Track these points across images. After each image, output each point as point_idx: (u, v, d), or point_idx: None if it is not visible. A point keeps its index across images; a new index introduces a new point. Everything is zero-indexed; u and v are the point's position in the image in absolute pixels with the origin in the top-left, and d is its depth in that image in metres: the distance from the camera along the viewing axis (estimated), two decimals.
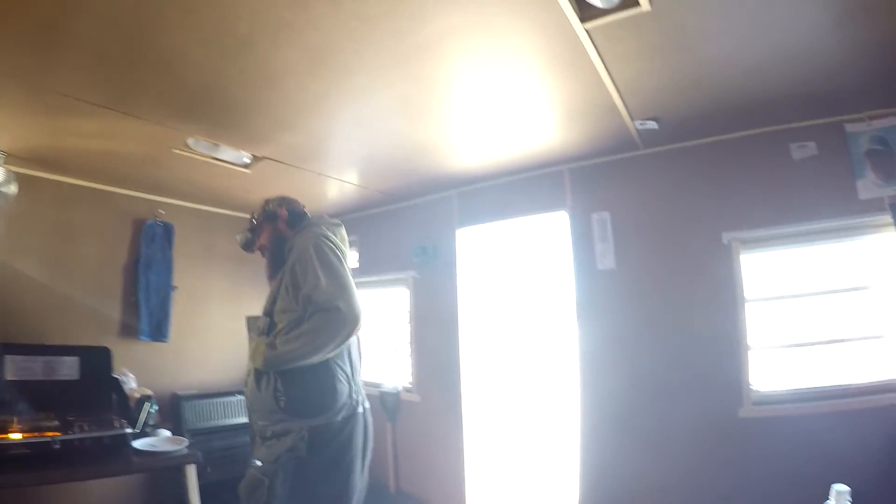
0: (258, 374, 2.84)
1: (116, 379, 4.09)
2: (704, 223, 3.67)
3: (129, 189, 4.80)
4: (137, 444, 3.60)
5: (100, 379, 4.04)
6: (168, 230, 5.00)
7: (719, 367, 3.55)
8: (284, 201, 3.22)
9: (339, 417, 2.76)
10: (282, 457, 2.79)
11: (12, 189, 3.82)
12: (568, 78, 2.88)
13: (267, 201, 3.24)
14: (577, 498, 3.86)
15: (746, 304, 3.57)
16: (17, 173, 3.89)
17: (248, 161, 3.99)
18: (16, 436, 3.17)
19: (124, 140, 3.68)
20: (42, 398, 3.65)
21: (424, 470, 4.73)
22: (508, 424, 4.70)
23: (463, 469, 4.46)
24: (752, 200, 3.56)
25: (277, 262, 2.99)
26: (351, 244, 5.44)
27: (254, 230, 3.25)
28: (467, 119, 3.42)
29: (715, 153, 3.71)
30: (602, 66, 2.73)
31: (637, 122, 3.43)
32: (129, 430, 3.57)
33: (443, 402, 4.66)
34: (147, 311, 4.77)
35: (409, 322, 5.07)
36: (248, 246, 3.28)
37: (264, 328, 2.87)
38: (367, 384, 4.92)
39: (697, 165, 3.76)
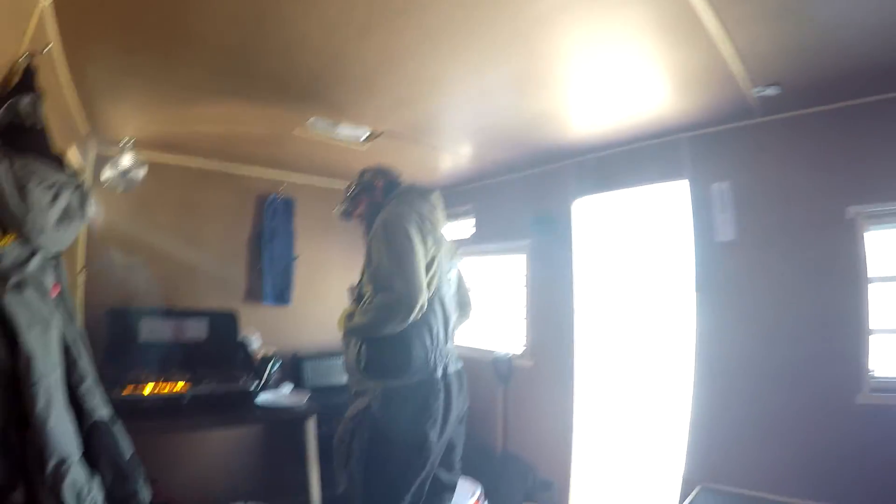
0: (347, 338, 3.02)
1: (242, 339, 4.40)
2: (827, 195, 3.38)
3: (251, 168, 5.12)
4: (261, 398, 3.89)
5: (227, 339, 4.41)
6: (289, 204, 5.29)
7: (838, 349, 3.28)
8: (380, 172, 3.29)
9: (415, 380, 2.83)
10: (359, 415, 2.95)
11: (141, 172, 4.13)
12: (683, 44, 2.74)
13: (363, 172, 3.32)
14: (682, 475, 3.78)
15: (870, 285, 3.25)
16: (146, 158, 4.21)
17: (366, 137, 4.07)
18: (150, 389, 3.49)
19: (246, 123, 3.88)
20: (174, 356, 4.03)
21: (532, 434, 4.73)
22: (618, 395, 4.61)
23: (571, 436, 4.43)
24: (879, 172, 3.22)
25: None
26: (466, 214, 5.58)
27: (352, 200, 3.34)
28: (582, 89, 3.33)
29: (839, 121, 3.38)
30: (719, 31, 2.61)
31: (756, 89, 3.29)
32: (253, 386, 3.86)
33: (555, 368, 4.61)
34: (271, 279, 5.10)
35: (526, 289, 5.03)
36: (346, 215, 3.38)
37: (355, 296, 3.04)
38: (479, 350, 5.03)
39: (820, 133, 3.45)
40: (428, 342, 2.86)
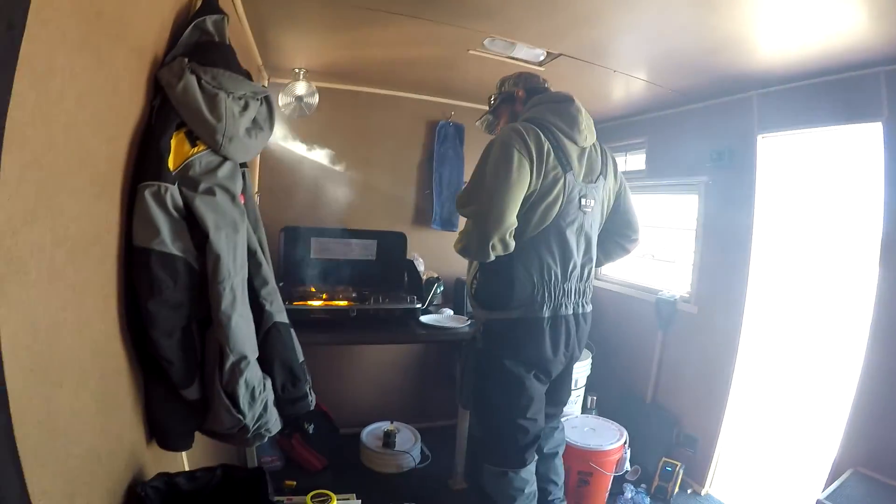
0: (469, 261, 2.94)
1: (410, 261, 4.52)
2: None
3: (421, 94, 5.12)
4: (424, 318, 4.01)
5: (394, 260, 4.53)
6: (459, 130, 5.27)
7: None
8: (521, 79, 3.13)
9: (514, 316, 2.73)
10: (468, 345, 3.03)
11: (314, 100, 4.27)
12: None
13: (503, 81, 3.19)
14: (835, 455, 3.36)
15: None
16: (318, 87, 4.33)
17: (542, 58, 3.87)
18: (318, 303, 3.69)
19: (420, 46, 3.83)
20: (343, 274, 4.26)
21: (685, 385, 4.47)
22: (781, 358, 4.15)
23: (727, 394, 4.10)
24: None
25: None
26: (638, 147, 5.35)
27: (494, 112, 3.23)
28: (771, 9, 2.92)
29: None
30: None
31: None
32: (417, 306, 3.97)
33: (720, 319, 4.23)
34: (439, 203, 5.15)
35: (696, 230, 4.61)
36: (490, 128, 3.29)
37: None
38: (642, 288, 4.90)
39: None
40: (536, 277, 2.71)
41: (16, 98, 0.99)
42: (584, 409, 4.56)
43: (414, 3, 3.09)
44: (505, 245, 2.59)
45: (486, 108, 3.31)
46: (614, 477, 3.90)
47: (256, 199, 4.23)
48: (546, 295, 2.72)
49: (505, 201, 2.53)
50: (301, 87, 4.21)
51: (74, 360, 1.30)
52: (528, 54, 3.78)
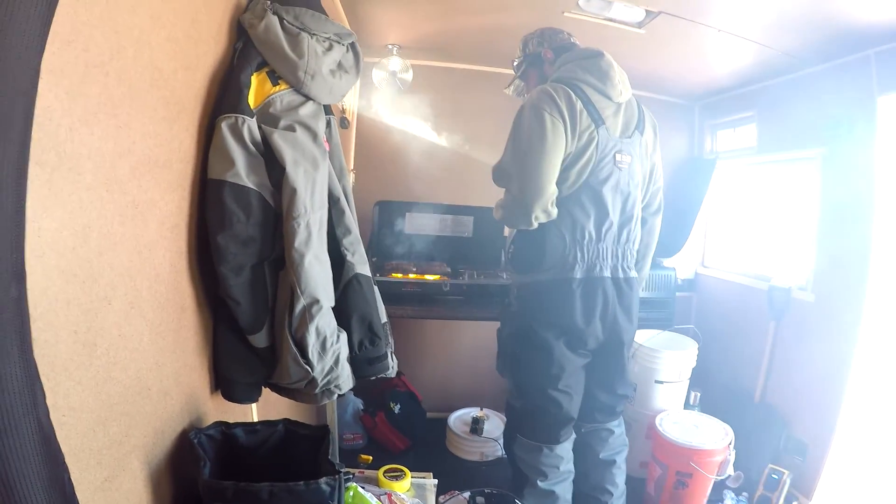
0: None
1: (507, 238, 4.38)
2: None
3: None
4: None
5: (492, 238, 4.39)
6: None
7: None
8: (545, 37, 3.00)
9: (545, 278, 2.67)
10: (503, 311, 3.01)
11: (408, 75, 4.21)
12: None
13: (526, 41, 3.08)
14: None
15: None
16: (412, 64, 4.28)
17: (641, 18, 3.60)
18: (410, 276, 3.67)
19: (514, 10, 3.68)
20: (437, 250, 4.18)
21: (797, 384, 4.00)
22: None
23: (842, 395, 3.60)
24: None
25: None
26: (747, 121, 4.96)
27: (523, 76, 3.15)
28: None
29: None
30: None
31: None
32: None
33: (840, 308, 3.71)
34: None
35: (815, 209, 4.05)
36: (521, 93, 3.20)
37: None
38: (751, 276, 4.60)
39: None
40: (568, 237, 2.62)
41: None
42: (687, 405, 4.29)
43: None
44: (548, 214, 2.56)
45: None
46: (714, 482, 3.66)
47: (351, 176, 4.23)
48: (578, 255, 2.64)
49: (543, 170, 2.49)
50: (395, 63, 4.18)
51: (130, 282, 1.25)
52: (625, 14, 3.54)
